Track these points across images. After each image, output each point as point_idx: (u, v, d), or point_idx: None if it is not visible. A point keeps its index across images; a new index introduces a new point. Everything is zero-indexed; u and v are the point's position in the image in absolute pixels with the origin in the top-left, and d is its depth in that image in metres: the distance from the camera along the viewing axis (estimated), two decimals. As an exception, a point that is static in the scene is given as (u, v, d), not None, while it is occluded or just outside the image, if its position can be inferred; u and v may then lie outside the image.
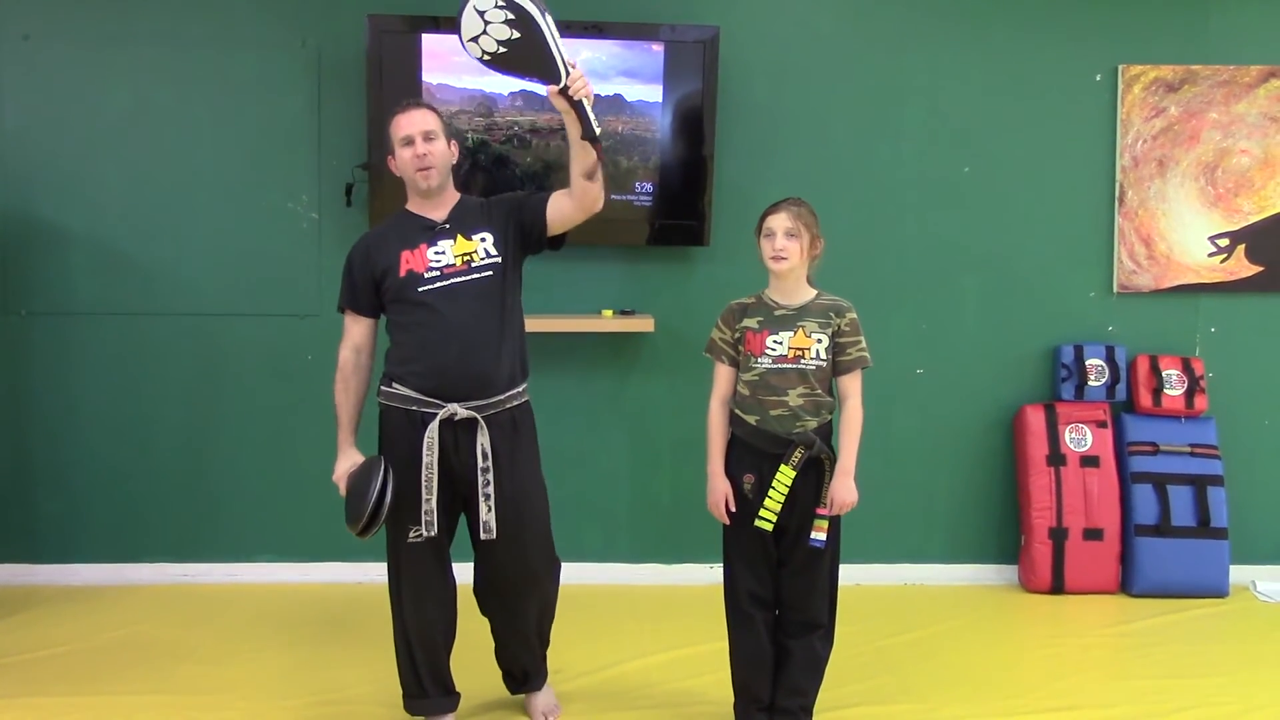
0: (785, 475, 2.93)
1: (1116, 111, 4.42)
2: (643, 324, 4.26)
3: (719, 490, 3.03)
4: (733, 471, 3.04)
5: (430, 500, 2.94)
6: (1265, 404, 4.54)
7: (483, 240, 3.01)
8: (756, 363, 2.99)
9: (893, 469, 4.39)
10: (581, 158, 2.92)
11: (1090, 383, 4.40)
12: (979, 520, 4.54)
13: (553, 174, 4.14)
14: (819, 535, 2.97)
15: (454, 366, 2.93)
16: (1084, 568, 4.35)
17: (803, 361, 2.96)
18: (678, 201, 4.24)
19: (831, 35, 4.37)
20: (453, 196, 3.09)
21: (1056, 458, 4.38)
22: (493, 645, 3.26)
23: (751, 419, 3.00)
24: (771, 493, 2.93)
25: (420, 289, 2.96)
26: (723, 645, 3.15)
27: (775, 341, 2.98)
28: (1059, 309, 4.48)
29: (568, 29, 4.09)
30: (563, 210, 3.04)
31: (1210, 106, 4.43)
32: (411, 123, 2.99)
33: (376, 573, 4.26)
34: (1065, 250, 4.47)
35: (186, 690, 3.41)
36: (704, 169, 4.22)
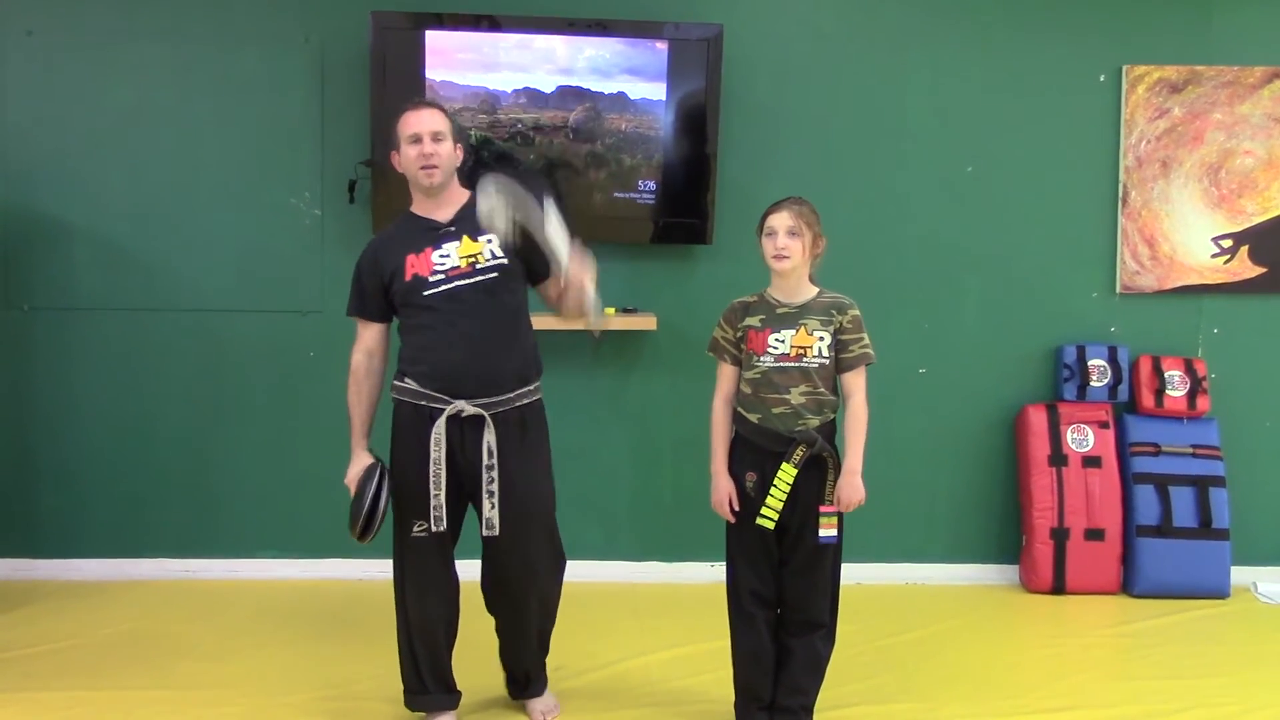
0: (787, 473, 2.93)
1: (1120, 112, 4.42)
2: (645, 322, 4.26)
3: (723, 489, 3.03)
4: (735, 470, 3.04)
5: (439, 495, 2.96)
6: (1267, 405, 4.54)
7: (489, 242, 3.01)
8: (759, 361, 2.99)
9: (894, 468, 4.38)
10: (568, 309, 2.99)
11: (1092, 383, 4.40)
12: (980, 520, 4.54)
13: (555, 171, 4.14)
14: (829, 532, 2.96)
15: (460, 368, 2.95)
16: (1085, 568, 4.35)
17: (805, 359, 2.96)
18: (680, 200, 4.25)
19: (835, 34, 4.37)
20: (460, 196, 3.09)
21: (1058, 458, 4.38)
22: (495, 646, 3.25)
23: (754, 417, 3.00)
24: (773, 491, 2.93)
25: (425, 293, 2.97)
26: (724, 644, 3.15)
27: (777, 340, 2.98)
28: (1061, 309, 4.48)
29: (572, 26, 4.14)
30: (545, 294, 3.13)
31: (1214, 107, 4.43)
32: (420, 121, 2.99)
33: (378, 569, 4.27)
34: (1068, 250, 4.46)
35: (187, 686, 3.41)
36: (707, 167, 4.22)
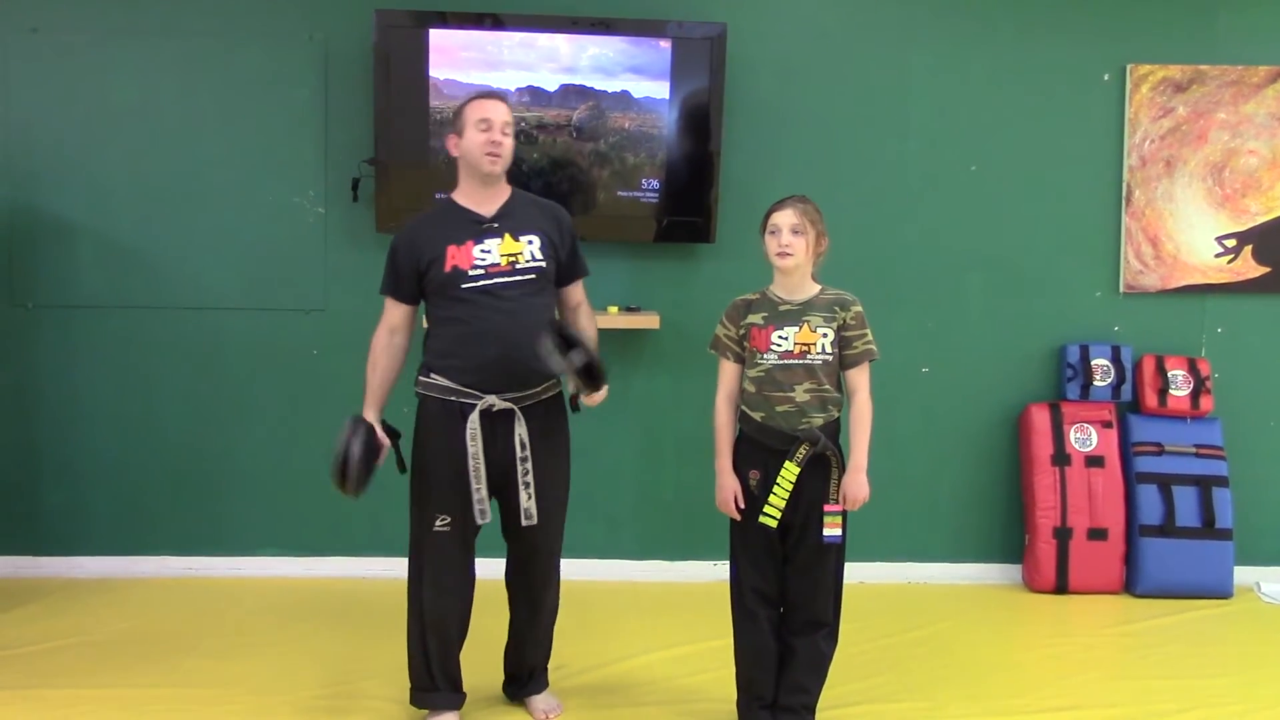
0: (790, 471, 2.93)
1: (1124, 111, 4.41)
2: (648, 320, 4.26)
3: (728, 487, 3.03)
4: (739, 468, 3.04)
5: (481, 489, 2.98)
6: (1271, 405, 4.54)
7: (530, 243, 3.03)
8: (762, 359, 2.99)
9: (897, 467, 4.38)
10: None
11: (1096, 382, 4.40)
12: (983, 519, 4.54)
13: (559, 170, 4.15)
14: (834, 531, 2.97)
15: (493, 364, 2.97)
16: (1088, 568, 4.35)
17: (809, 356, 2.96)
18: (684, 198, 4.25)
19: (838, 33, 4.37)
20: (504, 191, 3.10)
21: (1061, 457, 4.38)
22: (496, 646, 3.27)
23: (758, 415, 3.00)
24: (776, 489, 2.93)
25: (464, 285, 2.98)
26: (726, 642, 3.15)
27: (780, 337, 2.98)
28: (1065, 308, 4.47)
29: (575, 25, 4.14)
30: (563, 297, 3.21)
31: (1218, 106, 4.43)
32: (495, 110, 3.02)
33: (381, 567, 4.29)
34: (1071, 249, 4.46)
35: (191, 683, 3.41)
36: (710, 166, 4.22)
